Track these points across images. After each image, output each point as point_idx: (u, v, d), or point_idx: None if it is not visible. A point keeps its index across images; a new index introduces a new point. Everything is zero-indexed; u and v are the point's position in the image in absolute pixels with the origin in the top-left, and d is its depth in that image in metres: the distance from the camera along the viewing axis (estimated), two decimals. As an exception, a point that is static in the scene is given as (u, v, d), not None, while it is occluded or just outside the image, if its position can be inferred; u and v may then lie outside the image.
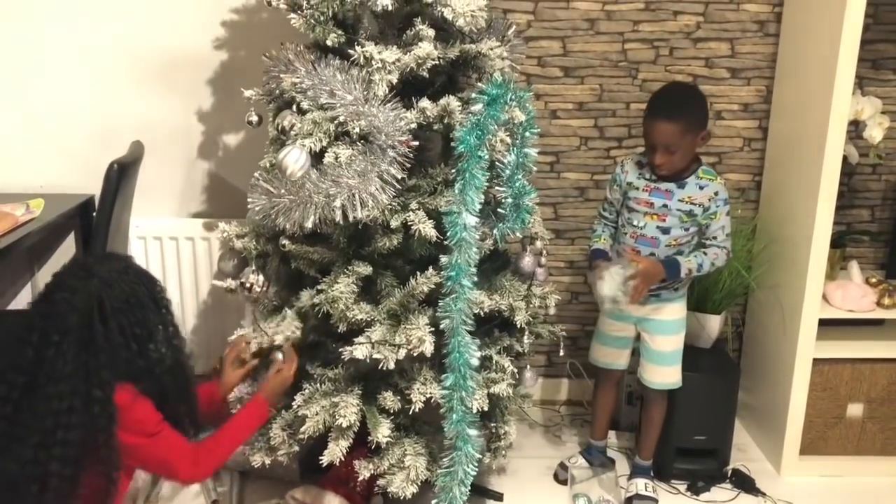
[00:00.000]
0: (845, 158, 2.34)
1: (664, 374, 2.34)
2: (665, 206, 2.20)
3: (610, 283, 2.17)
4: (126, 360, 1.54)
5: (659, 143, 2.12)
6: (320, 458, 1.90)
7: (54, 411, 1.46)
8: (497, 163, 1.88)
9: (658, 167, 2.15)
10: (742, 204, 2.77)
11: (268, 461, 2.03)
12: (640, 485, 2.39)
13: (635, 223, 2.24)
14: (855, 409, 2.53)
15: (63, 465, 1.46)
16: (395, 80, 1.79)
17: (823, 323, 2.43)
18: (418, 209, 1.87)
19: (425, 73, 1.83)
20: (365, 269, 1.91)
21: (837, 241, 2.59)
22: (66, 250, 2.76)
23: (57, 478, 1.46)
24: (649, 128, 2.14)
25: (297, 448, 2.00)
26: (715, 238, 2.21)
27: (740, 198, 2.79)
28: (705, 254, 2.20)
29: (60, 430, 1.46)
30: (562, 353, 2.29)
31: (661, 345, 2.32)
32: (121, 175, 2.25)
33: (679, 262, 2.19)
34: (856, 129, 2.55)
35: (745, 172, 2.80)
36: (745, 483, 2.46)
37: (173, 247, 2.70)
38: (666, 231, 2.21)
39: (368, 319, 1.90)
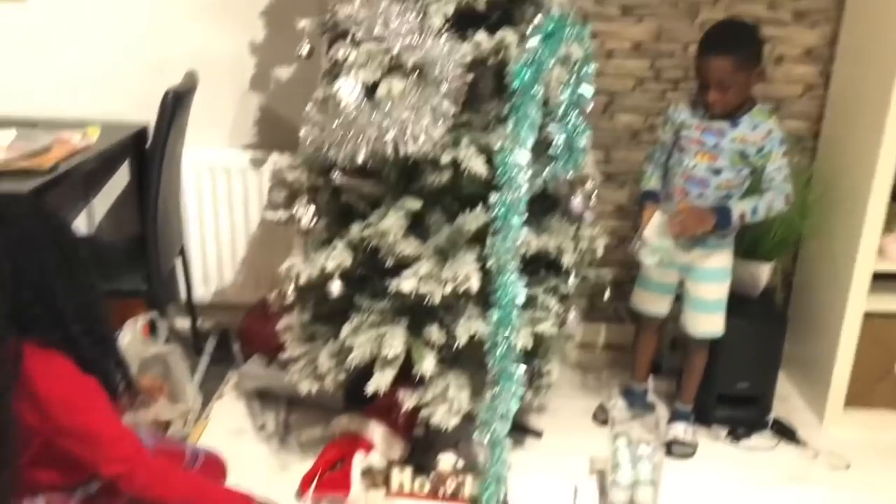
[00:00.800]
0: (913, 106, 2.25)
1: (707, 323, 2.33)
2: (716, 145, 2.16)
3: (654, 230, 2.16)
4: (21, 307, 1.41)
5: (712, 80, 2.08)
6: (365, 387, 1.93)
7: None
8: (552, 100, 1.86)
9: (712, 105, 2.11)
10: (799, 152, 2.70)
11: (315, 388, 2.08)
12: (680, 429, 2.40)
13: (685, 162, 2.20)
14: (904, 364, 2.49)
15: None
16: (450, 12, 1.77)
17: (878, 276, 2.39)
18: (470, 145, 1.86)
19: (482, 6, 1.80)
20: (415, 205, 1.91)
21: (897, 193, 2.52)
22: (121, 179, 2.82)
23: None
24: (702, 64, 2.10)
25: (343, 376, 2.04)
26: (773, 181, 2.16)
27: (797, 145, 2.71)
28: (761, 197, 2.16)
29: None
30: (606, 297, 2.29)
31: (705, 293, 2.30)
32: (175, 104, 2.27)
33: (729, 208, 2.15)
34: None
35: (804, 119, 2.72)
36: (786, 432, 2.46)
37: (225, 178, 2.74)
38: (717, 172, 2.17)
39: (416, 255, 1.92)
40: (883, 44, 2.28)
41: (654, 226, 2.20)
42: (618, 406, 2.50)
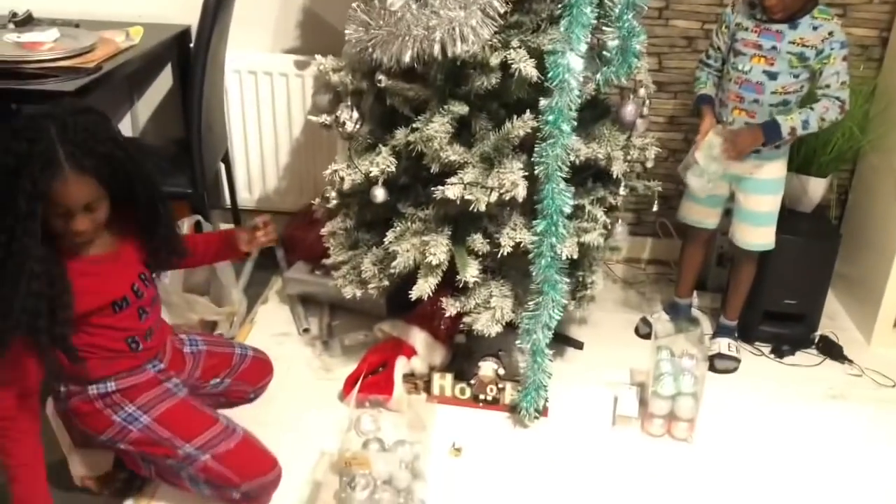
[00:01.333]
0: None
1: (758, 235, 2.27)
2: (774, 47, 2.06)
3: (705, 153, 2.10)
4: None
5: None
6: (408, 293, 1.94)
7: None
8: (606, 1, 1.77)
9: (771, 6, 2.00)
10: (864, 61, 2.57)
11: (358, 293, 2.09)
12: (724, 344, 2.38)
13: (740, 67, 2.12)
14: (958, 284, 2.42)
15: None
16: None
17: (938, 193, 2.30)
18: (520, 47, 1.80)
19: None
20: (461, 109, 1.87)
21: (966, 107, 2.40)
22: (165, 80, 2.81)
23: None
24: None
25: (387, 283, 2.04)
26: (828, 86, 2.06)
27: (862, 55, 2.58)
28: (812, 108, 2.06)
29: None
30: (655, 209, 2.24)
31: (757, 204, 2.24)
32: (217, 5, 2.23)
33: (779, 123, 2.07)
34: None
35: (871, 27, 2.58)
36: (832, 350, 2.43)
37: (268, 82, 2.70)
38: (773, 76, 2.08)
39: (462, 161, 1.88)
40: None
41: (706, 146, 2.13)
42: (661, 319, 2.48)
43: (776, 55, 2.07)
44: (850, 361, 2.40)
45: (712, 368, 2.31)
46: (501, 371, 2.10)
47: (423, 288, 1.91)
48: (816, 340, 2.46)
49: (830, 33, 2.03)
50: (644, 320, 2.52)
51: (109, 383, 1.62)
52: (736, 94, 2.14)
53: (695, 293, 2.56)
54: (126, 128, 2.87)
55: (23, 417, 1.52)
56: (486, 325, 1.96)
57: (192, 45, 2.48)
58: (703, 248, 2.46)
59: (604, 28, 1.80)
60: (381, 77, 1.89)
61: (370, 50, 1.79)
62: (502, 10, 1.70)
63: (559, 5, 1.73)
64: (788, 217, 2.38)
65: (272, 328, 2.45)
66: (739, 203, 2.27)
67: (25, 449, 1.54)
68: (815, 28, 2.03)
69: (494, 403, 2.11)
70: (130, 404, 1.64)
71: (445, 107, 1.87)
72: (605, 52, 1.83)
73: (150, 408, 1.65)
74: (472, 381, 2.10)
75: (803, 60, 2.05)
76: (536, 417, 2.07)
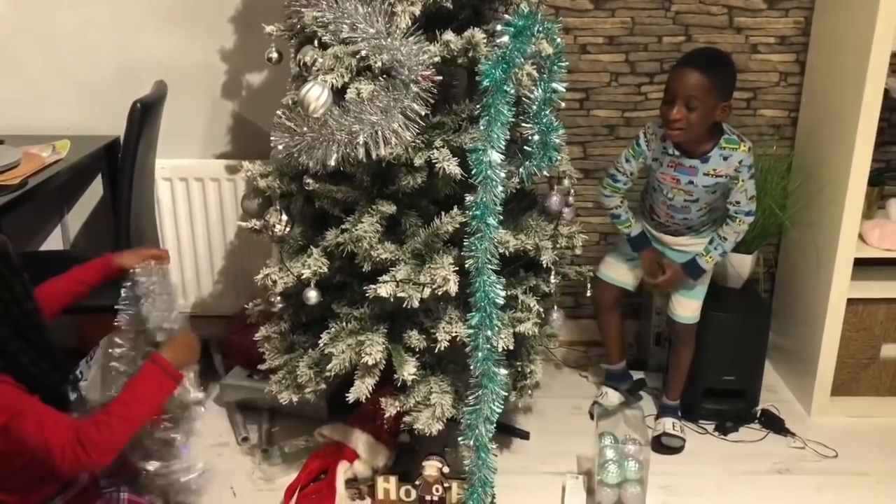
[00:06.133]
0: (887, 93, 2.24)
1: (688, 307, 2.34)
2: (691, 182, 2.19)
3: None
4: None
5: (681, 94, 2.05)
6: (347, 395, 1.91)
7: None
8: (524, 98, 1.83)
9: (672, 123, 2.08)
10: (777, 141, 2.70)
11: (295, 399, 2.05)
12: (668, 424, 2.39)
13: (665, 192, 2.25)
14: (889, 350, 2.48)
15: None
16: (417, 12, 1.74)
17: (859, 262, 2.38)
18: (443, 146, 1.84)
19: (449, 5, 1.78)
20: (389, 209, 1.89)
21: (876, 179, 2.50)
22: (95, 191, 2.78)
23: None
24: (676, 76, 2.08)
25: (323, 386, 2.01)
26: (738, 203, 2.18)
27: (775, 135, 2.71)
28: (725, 239, 2.22)
29: None
30: (589, 294, 2.27)
31: None
32: (144, 114, 2.23)
33: (699, 264, 2.23)
34: (899, 61, 2.44)
35: (781, 108, 2.71)
36: (774, 423, 2.45)
37: (199, 188, 2.70)
38: (695, 201, 2.23)
39: (393, 259, 1.89)
40: (855, 31, 2.27)
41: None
42: (608, 395, 2.48)
43: (693, 188, 2.20)
44: (793, 434, 2.42)
45: (659, 447, 2.31)
46: (446, 469, 2.06)
47: (361, 390, 1.88)
48: (758, 415, 2.48)
49: (741, 161, 2.14)
50: (596, 402, 2.51)
51: None
52: (665, 212, 2.29)
53: (623, 360, 2.57)
54: (56, 241, 2.82)
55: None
56: (427, 423, 1.93)
57: (119, 154, 2.47)
58: (616, 307, 2.48)
59: (523, 124, 1.85)
60: (308, 181, 1.91)
61: (296, 155, 1.81)
62: (423, 113, 1.74)
63: (478, 105, 1.78)
64: (720, 294, 2.44)
65: (210, 438, 2.37)
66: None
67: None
68: (725, 158, 2.15)
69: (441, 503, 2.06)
70: None
71: (374, 207, 1.88)
72: (526, 147, 1.88)
73: None
74: (418, 482, 2.06)
75: (718, 186, 2.20)
76: (484, 515, 2.02)
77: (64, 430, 1.41)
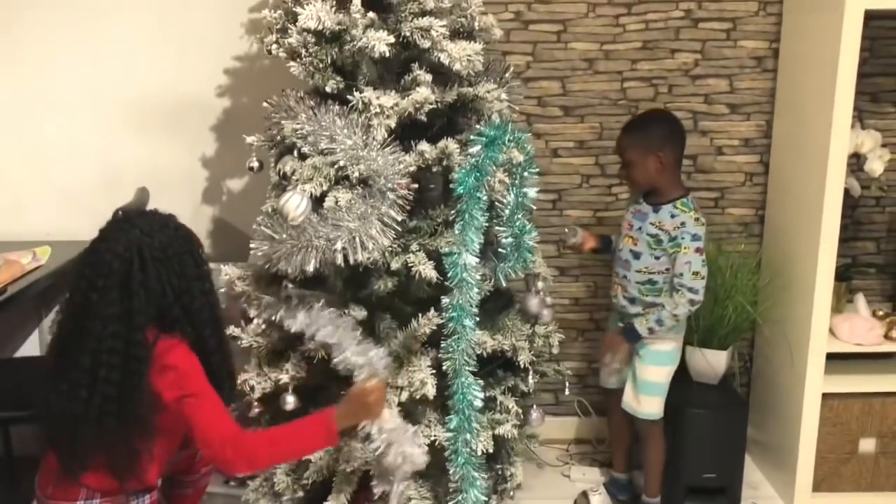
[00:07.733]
0: (847, 191, 2.34)
1: (643, 403, 2.32)
2: (639, 227, 2.25)
3: None
4: (164, 308, 1.61)
5: (618, 155, 2.29)
6: (325, 503, 1.88)
7: (96, 351, 1.55)
8: (497, 203, 1.90)
9: (619, 178, 2.30)
10: (746, 238, 2.77)
11: (272, 507, 2.02)
12: (649, 524, 2.36)
13: (617, 243, 2.33)
14: (867, 445, 2.49)
15: (106, 401, 1.55)
16: (393, 125, 1.81)
17: (831, 357, 2.41)
18: (419, 251, 1.88)
19: (423, 117, 1.85)
20: (360, 313, 1.91)
21: (843, 274, 2.58)
22: (73, 297, 2.77)
23: (103, 414, 1.55)
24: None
25: (301, 494, 1.98)
26: (682, 275, 2.18)
27: (744, 232, 2.79)
28: (663, 307, 2.21)
29: (103, 370, 1.55)
30: (567, 392, 2.28)
31: (647, 374, 2.31)
32: (125, 222, 2.26)
33: (636, 328, 2.24)
34: (857, 161, 2.55)
35: (748, 207, 2.80)
36: (757, 521, 2.43)
37: (179, 291, 2.71)
38: (637, 256, 2.25)
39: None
40: (813, 133, 2.37)
41: None
42: (599, 492, 2.46)
43: (639, 235, 2.25)
44: (776, 532, 2.40)
45: (641, 550, 2.27)
46: (427, 577, 2.01)
47: (339, 499, 1.86)
48: (741, 512, 2.47)
49: (683, 223, 2.19)
50: (584, 494, 2.48)
51: None
52: (614, 270, 2.33)
53: (629, 468, 2.55)
54: (33, 345, 2.80)
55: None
56: (407, 529, 1.90)
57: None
58: (625, 414, 2.45)
59: (497, 227, 1.91)
60: (286, 285, 1.94)
61: (276, 261, 1.85)
62: (399, 219, 1.79)
63: (453, 211, 1.84)
64: (696, 390, 2.45)
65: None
66: (633, 368, 2.33)
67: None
68: (672, 216, 2.21)
69: None
70: None
71: (346, 311, 1.91)
72: (500, 250, 1.93)
73: None
74: (398, 591, 2.01)
75: (658, 243, 2.22)
76: None
77: (231, 428, 1.60)
